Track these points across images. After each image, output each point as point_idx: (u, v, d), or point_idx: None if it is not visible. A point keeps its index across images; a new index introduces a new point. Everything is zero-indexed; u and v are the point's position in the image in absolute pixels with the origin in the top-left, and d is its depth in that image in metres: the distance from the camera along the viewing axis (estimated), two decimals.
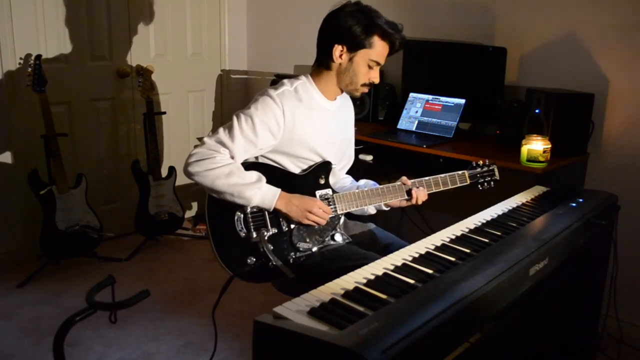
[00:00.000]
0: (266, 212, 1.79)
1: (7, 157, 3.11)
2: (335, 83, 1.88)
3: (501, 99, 2.79)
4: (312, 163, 1.88)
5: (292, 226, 1.81)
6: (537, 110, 2.51)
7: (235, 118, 1.78)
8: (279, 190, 1.76)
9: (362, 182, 2.05)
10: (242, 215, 1.78)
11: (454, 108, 2.84)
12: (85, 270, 3.15)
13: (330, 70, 1.86)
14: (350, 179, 2.11)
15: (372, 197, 1.88)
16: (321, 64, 1.87)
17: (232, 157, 1.76)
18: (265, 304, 2.84)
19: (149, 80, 3.34)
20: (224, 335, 2.56)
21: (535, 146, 2.32)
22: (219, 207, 1.78)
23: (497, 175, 2.12)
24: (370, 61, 1.80)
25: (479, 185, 2.09)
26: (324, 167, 1.88)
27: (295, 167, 1.88)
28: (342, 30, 1.79)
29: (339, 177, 2.07)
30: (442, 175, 2.00)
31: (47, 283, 3.01)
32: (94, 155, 3.49)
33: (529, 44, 2.79)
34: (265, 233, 1.77)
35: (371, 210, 1.97)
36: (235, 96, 4.16)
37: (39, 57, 2.91)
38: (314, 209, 1.76)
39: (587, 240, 1.76)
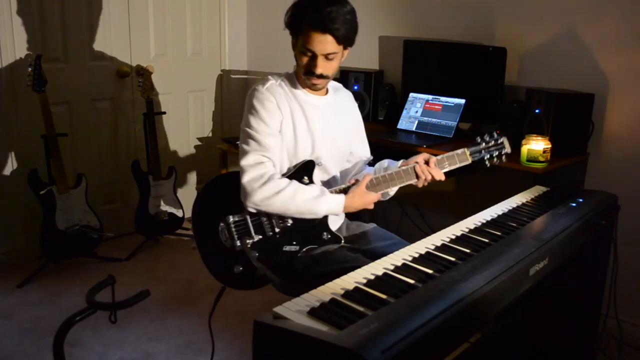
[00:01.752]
0: (249, 219, 1.80)
1: (7, 157, 3.11)
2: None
3: (501, 99, 2.79)
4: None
5: (277, 230, 1.81)
6: (537, 110, 2.51)
7: (244, 129, 1.81)
8: (343, 196, 1.79)
9: (377, 165, 2.02)
10: (225, 226, 1.80)
11: (454, 108, 2.84)
12: (85, 270, 3.15)
13: None
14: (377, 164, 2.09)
15: (377, 186, 1.84)
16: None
17: (274, 163, 1.78)
18: (265, 304, 2.84)
19: (149, 80, 3.34)
20: (224, 335, 2.56)
21: (535, 146, 2.32)
22: (204, 220, 1.81)
23: (507, 148, 1.98)
24: (303, 48, 1.77)
25: (487, 161, 1.97)
26: (306, 167, 1.85)
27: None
28: (287, 24, 1.82)
29: (362, 167, 2.06)
30: (439, 156, 1.89)
31: (47, 283, 3.01)
32: (94, 155, 3.49)
33: (529, 44, 2.79)
34: (249, 241, 1.79)
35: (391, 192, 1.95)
36: (235, 96, 4.16)
37: (39, 57, 2.91)
38: (373, 203, 1.82)
39: (587, 240, 1.76)
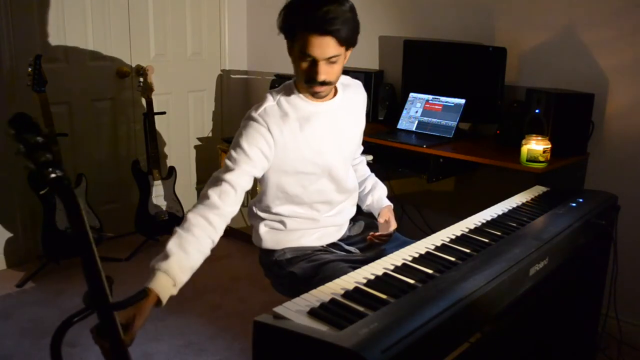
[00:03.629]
0: None
1: (6, 157, 3.11)
2: None
3: (501, 99, 2.79)
4: (314, 177, 1.77)
5: None
6: (537, 110, 2.51)
7: (230, 148, 1.70)
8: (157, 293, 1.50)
9: (370, 184, 2.04)
10: None
11: (454, 108, 2.84)
12: None
13: None
14: (363, 170, 2.09)
15: None
16: None
17: (234, 188, 1.63)
18: (265, 304, 2.84)
19: (149, 80, 3.34)
20: (224, 335, 2.56)
21: (535, 146, 2.31)
22: None
23: None
24: (300, 53, 1.62)
25: None
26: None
27: (300, 187, 1.78)
28: (280, 28, 1.70)
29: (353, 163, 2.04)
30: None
31: (47, 283, 3.01)
32: (94, 155, 3.49)
33: (529, 44, 2.79)
34: None
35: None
36: (235, 96, 4.17)
37: (39, 57, 2.91)
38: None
39: (587, 240, 1.76)
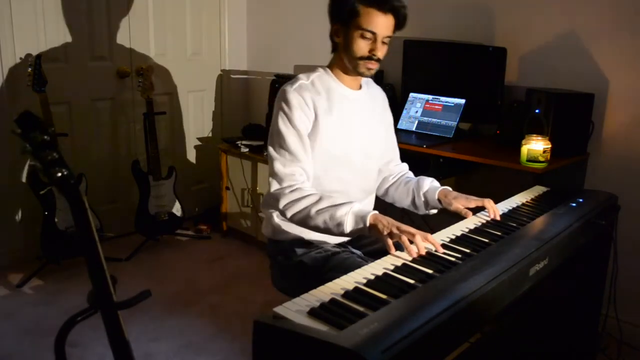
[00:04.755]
0: None
1: (7, 157, 3.11)
2: (344, 65, 1.79)
3: (501, 99, 2.79)
4: (337, 161, 1.80)
5: None
6: (537, 110, 2.51)
7: (274, 133, 1.76)
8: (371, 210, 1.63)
9: (427, 183, 1.91)
10: None
11: (454, 108, 2.84)
12: (85, 270, 3.13)
13: (338, 53, 1.81)
14: (406, 173, 2.05)
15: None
16: (332, 51, 1.84)
17: (305, 171, 1.73)
18: (265, 304, 2.84)
19: (149, 80, 3.34)
20: (224, 335, 2.56)
21: (535, 146, 2.31)
22: None
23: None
24: (362, 31, 1.69)
25: None
26: None
27: (322, 170, 1.79)
28: (332, 9, 1.77)
29: (392, 172, 2.03)
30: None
31: (47, 283, 3.01)
32: (94, 155, 3.49)
33: (529, 44, 2.79)
34: None
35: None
36: (235, 96, 4.17)
37: (39, 57, 2.91)
38: (401, 225, 1.53)
39: (587, 240, 1.76)
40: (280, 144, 1.74)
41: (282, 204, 1.69)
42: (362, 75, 1.79)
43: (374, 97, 1.95)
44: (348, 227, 1.60)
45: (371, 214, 1.58)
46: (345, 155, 1.82)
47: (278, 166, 1.73)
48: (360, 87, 1.89)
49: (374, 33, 1.69)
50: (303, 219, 1.67)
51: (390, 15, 1.69)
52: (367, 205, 1.96)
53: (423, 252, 1.45)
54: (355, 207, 1.61)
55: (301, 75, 1.81)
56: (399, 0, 1.69)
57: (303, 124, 1.74)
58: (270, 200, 1.77)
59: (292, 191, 1.70)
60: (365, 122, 1.87)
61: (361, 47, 1.71)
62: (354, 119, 1.83)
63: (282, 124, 1.74)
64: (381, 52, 1.73)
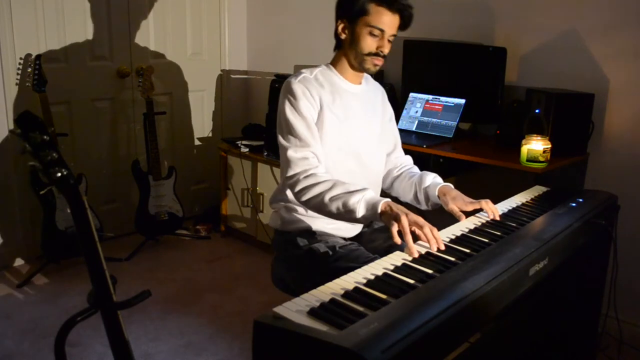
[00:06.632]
0: None
1: (7, 157, 3.11)
2: (348, 62, 1.84)
3: (501, 99, 2.79)
4: (342, 154, 1.84)
5: None
6: (537, 110, 2.51)
7: (282, 122, 1.79)
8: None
9: (429, 178, 1.92)
10: None
11: (454, 108, 2.84)
12: (85, 270, 3.11)
13: (342, 49, 1.85)
14: (410, 168, 2.06)
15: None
16: (335, 47, 1.88)
17: (317, 156, 1.76)
18: (265, 304, 2.84)
19: (149, 80, 3.34)
20: (224, 335, 2.56)
21: (535, 146, 2.31)
22: None
23: None
24: (371, 28, 1.75)
25: None
26: None
27: (330, 162, 1.83)
28: (339, 5, 1.82)
29: (396, 164, 2.06)
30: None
31: (47, 283, 3.01)
32: (94, 155, 3.49)
33: (529, 44, 2.79)
34: None
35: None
36: (235, 96, 4.17)
37: (39, 57, 2.91)
38: (412, 213, 1.58)
39: (587, 240, 1.76)
40: (290, 131, 1.77)
41: (297, 188, 1.74)
42: (367, 71, 1.85)
43: (374, 91, 2.00)
44: (360, 213, 1.64)
45: (383, 202, 1.61)
46: (350, 147, 1.86)
47: (290, 153, 1.76)
48: (361, 82, 1.93)
49: (382, 30, 1.75)
50: (317, 205, 1.71)
51: (397, 15, 1.75)
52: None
53: (433, 243, 1.50)
54: (367, 195, 1.65)
55: (304, 70, 1.85)
56: (407, 1, 1.76)
57: (309, 112, 1.78)
58: (283, 189, 1.80)
59: (306, 177, 1.73)
60: (369, 115, 1.92)
61: (369, 43, 1.77)
62: (358, 111, 1.87)
63: (290, 113, 1.77)
64: (387, 49, 1.79)
